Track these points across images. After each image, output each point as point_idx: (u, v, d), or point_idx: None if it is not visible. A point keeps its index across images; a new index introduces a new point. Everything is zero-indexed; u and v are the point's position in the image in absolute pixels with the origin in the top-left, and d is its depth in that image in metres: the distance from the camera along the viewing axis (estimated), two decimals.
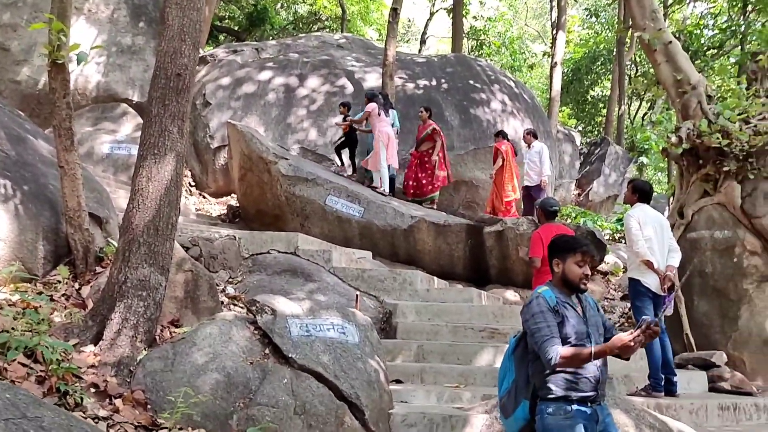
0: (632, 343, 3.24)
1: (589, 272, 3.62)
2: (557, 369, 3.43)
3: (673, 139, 8.87)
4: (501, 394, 3.75)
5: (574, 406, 3.44)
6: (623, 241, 16.09)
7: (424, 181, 12.35)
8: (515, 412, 3.60)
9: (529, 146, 12.37)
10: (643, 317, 3.34)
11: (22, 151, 6.75)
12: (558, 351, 3.36)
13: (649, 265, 6.53)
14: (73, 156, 6.22)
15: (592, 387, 3.48)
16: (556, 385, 3.45)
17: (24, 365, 4.37)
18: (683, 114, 9.26)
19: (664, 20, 9.90)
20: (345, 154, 12.66)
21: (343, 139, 12.56)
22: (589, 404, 3.48)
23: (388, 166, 11.80)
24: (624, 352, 3.31)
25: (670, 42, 9.57)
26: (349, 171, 12.47)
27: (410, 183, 12.46)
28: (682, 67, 9.43)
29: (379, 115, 11.68)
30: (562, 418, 3.42)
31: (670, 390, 6.51)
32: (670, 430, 4.89)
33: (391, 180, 11.99)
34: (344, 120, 12.28)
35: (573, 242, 3.68)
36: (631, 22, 10.70)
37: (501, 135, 12.64)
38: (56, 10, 6.08)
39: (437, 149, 12.26)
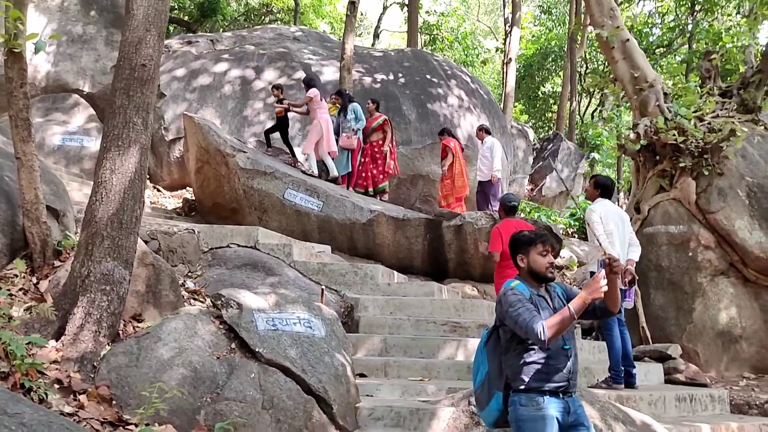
0: (602, 285, 3.33)
1: (553, 260, 3.72)
2: (529, 363, 3.51)
3: (631, 135, 9.07)
4: (475, 387, 3.82)
5: (546, 397, 3.50)
6: (576, 236, 16.44)
7: (375, 172, 12.42)
8: (489, 404, 3.67)
9: (482, 142, 12.53)
10: (602, 258, 3.43)
11: None
12: (544, 324, 3.39)
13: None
14: (30, 147, 6.05)
15: (564, 378, 3.55)
16: (528, 377, 3.51)
17: None
18: (640, 111, 9.48)
19: None
20: (281, 140, 12.58)
21: (274, 123, 12.48)
22: (561, 395, 3.54)
23: (328, 153, 11.80)
24: (597, 295, 3.37)
25: (628, 40, 9.79)
26: (307, 166, 12.32)
27: (363, 177, 12.48)
28: (639, 65, 9.65)
29: (320, 101, 11.67)
30: (534, 409, 3.49)
31: (629, 382, 6.67)
32: (633, 420, 5.02)
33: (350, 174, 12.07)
34: (279, 102, 12.18)
35: (532, 235, 3.79)
36: (588, 20, 10.90)
37: (446, 132, 12.84)
38: None
39: (388, 139, 12.33)
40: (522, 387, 3.53)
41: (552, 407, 3.49)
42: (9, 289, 5.63)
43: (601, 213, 6.79)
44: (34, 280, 6.04)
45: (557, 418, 3.49)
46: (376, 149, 12.45)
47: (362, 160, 12.54)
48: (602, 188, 7.01)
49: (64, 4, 13.48)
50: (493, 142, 12.41)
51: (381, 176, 12.41)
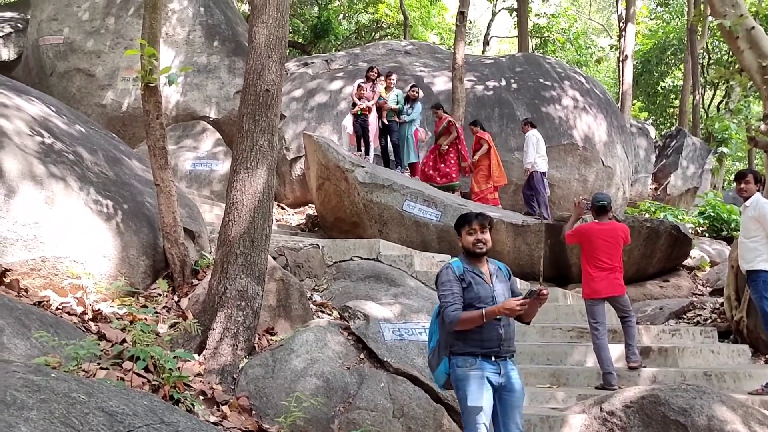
0: (518, 308, 3.82)
1: (480, 237, 4.12)
2: (466, 330, 3.95)
3: (762, 126, 8.59)
4: (429, 353, 4.30)
5: (479, 360, 3.97)
6: (706, 235, 15.64)
7: (447, 169, 12.58)
8: (438, 367, 4.14)
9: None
10: (530, 289, 3.85)
11: (119, 171, 7.07)
12: (456, 316, 3.92)
13: None
14: (168, 174, 6.49)
15: (495, 344, 3.98)
16: (464, 342, 4.00)
17: (139, 375, 4.60)
18: None
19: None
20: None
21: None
22: (493, 359, 3.99)
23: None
24: (512, 315, 3.94)
25: (753, 27, 9.26)
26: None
27: (428, 170, 12.66)
28: (767, 53, 9.12)
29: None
30: (469, 369, 3.96)
31: None
32: None
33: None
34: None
35: (463, 216, 4.24)
36: (709, 10, 10.41)
37: (476, 124, 12.79)
38: (147, 36, 6.35)
39: (450, 138, 12.52)
40: (459, 351, 4.01)
41: (484, 368, 3.96)
42: (154, 307, 6.04)
43: None
44: (176, 298, 6.46)
45: (489, 379, 3.95)
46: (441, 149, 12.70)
47: (430, 158, 12.80)
48: (757, 179, 6.58)
49: (189, 37, 14.35)
50: (530, 135, 12.43)
51: (454, 174, 12.59)
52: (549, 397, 6.18)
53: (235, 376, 5.35)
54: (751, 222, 6.59)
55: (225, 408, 4.95)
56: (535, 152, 12.28)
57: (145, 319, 5.57)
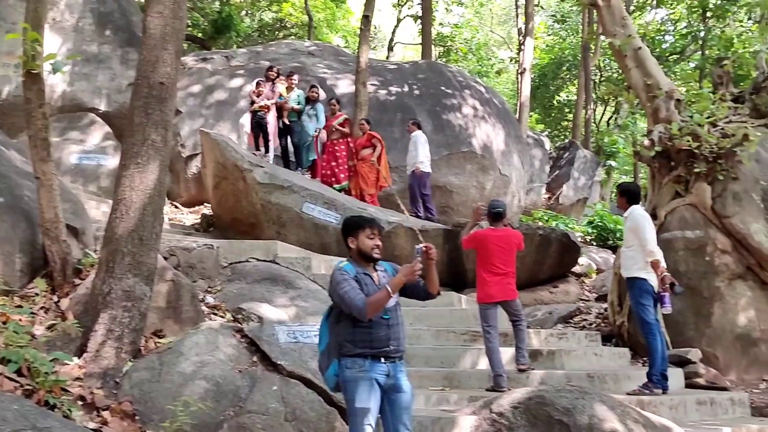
0: (415, 269, 3.92)
1: (379, 243, 4.22)
2: (355, 332, 3.98)
3: (646, 142, 9.02)
4: (319, 355, 4.28)
5: (369, 361, 3.98)
6: (594, 244, 16.33)
7: (337, 169, 12.42)
8: (328, 370, 4.14)
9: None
10: (417, 247, 4.01)
11: None
12: (363, 300, 3.92)
13: (655, 264, 6.58)
14: (50, 167, 6.10)
15: (384, 344, 4.01)
16: (353, 344, 4.00)
17: (10, 378, 4.29)
18: (654, 118, 9.44)
19: None
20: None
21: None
22: (382, 360, 4.00)
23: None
24: (411, 278, 3.96)
25: (640, 48, 9.76)
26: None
27: (325, 171, 12.49)
28: (652, 72, 9.62)
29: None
30: (357, 371, 3.97)
31: (665, 386, 6.60)
32: (654, 424, 4.96)
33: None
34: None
35: (362, 220, 4.32)
36: (601, 29, 10.87)
37: (369, 123, 12.69)
38: (30, 20, 5.97)
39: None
40: (348, 353, 4.00)
41: (373, 370, 3.97)
42: (30, 308, 5.67)
43: (647, 218, 6.75)
44: (55, 299, 6.08)
45: (377, 380, 3.97)
46: (336, 147, 12.51)
47: (323, 156, 12.62)
48: (629, 195, 6.96)
49: (79, 24, 13.63)
50: (417, 135, 12.41)
51: (342, 175, 12.41)
52: (442, 400, 6.24)
53: (118, 380, 5.10)
54: (628, 232, 6.97)
55: (106, 413, 4.70)
56: (422, 153, 12.24)
57: (20, 319, 5.22)
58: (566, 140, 26.97)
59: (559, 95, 32.67)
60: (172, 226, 11.81)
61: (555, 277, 12.12)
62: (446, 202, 14.44)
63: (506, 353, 6.92)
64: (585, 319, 10.42)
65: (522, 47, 23.13)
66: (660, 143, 8.96)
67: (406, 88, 15.62)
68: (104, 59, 13.67)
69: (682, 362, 7.91)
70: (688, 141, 8.75)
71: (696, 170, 8.80)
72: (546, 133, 30.33)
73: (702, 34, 23.91)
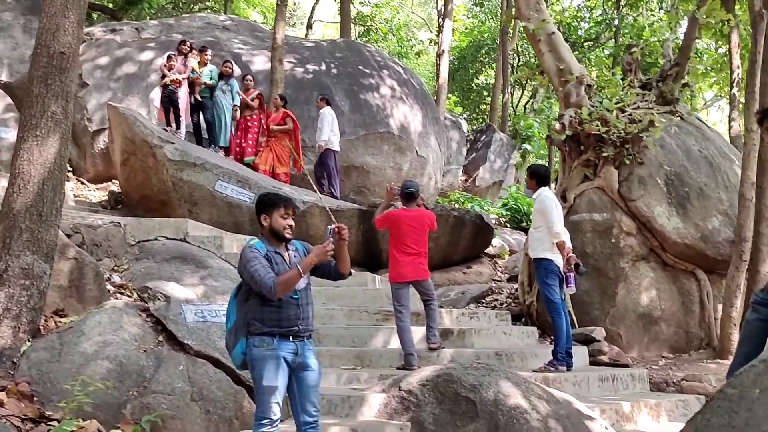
0: (328, 248, 3.96)
1: (292, 223, 4.20)
2: (264, 310, 3.96)
3: (557, 126, 9.25)
4: (226, 333, 4.22)
5: (276, 340, 3.97)
6: (508, 226, 16.71)
7: (244, 144, 12.34)
8: (235, 348, 4.09)
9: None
10: (329, 226, 4.06)
11: None
12: (273, 279, 3.89)
13: (561, 245, 6.75)
14: None
15: (293, 323, 4.01)
16: (261, 323, 3.98)
17: None
18: (565, 102, 9.69)
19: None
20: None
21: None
22: (290, 338, 4.01)
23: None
24: (323, 258, 4.00)
25: (553, 33, 9.98)
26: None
27: (236, 147, 12.42)
28: (565, 58, 9.86)
29: None
30: (265, 350, 3.95)
31: (569, 363, 6.83)
32: (556, 399, 5.16)
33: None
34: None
35: (277, 198, 4.27)
36: (516, 12, 11.05)
37: (282, 98, 12.54)
38: None
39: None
40: (257, 331, 3.98)
41: (281, 348, 3.97)
42: None
43: (553, 200, 6.91)
44: None
45: (285, 358, 3.97)
46: (248, 124, 12.40)
47: (237, 133, 12.50)
48: (539, 177, 7.11)
49: None
50: (325, 111, 12.40)
51: (249, 149, 12.28)
52: (352, 378, 6.28)
53: (15, 360, 4.93)
54: (536, 214, 7.14)
55: (2, 394, 4.54)
56: (330, 130, 12.19)
57: None
58: (484, 123, 27.39)
59: (477, 78, 33.05)
60: (77, 202, 11.38)
61: (469, 258, 12.34)
62: (363, 183, 14.45)
63: (418, 332, 7.02)
64: (497, 299, 10.66)
65: (441, 29, 23.28)
66: (570, 127, 9.20)
67: (323, 67, 15.48)
68: (5, 27, 13.01)
69: (587, 340, 8.21)
70: (597, 126, 9.03)
71: (604, 154, 9.09)
72: (464, 115, 30.70)
73: (616, 22, 24.64)
